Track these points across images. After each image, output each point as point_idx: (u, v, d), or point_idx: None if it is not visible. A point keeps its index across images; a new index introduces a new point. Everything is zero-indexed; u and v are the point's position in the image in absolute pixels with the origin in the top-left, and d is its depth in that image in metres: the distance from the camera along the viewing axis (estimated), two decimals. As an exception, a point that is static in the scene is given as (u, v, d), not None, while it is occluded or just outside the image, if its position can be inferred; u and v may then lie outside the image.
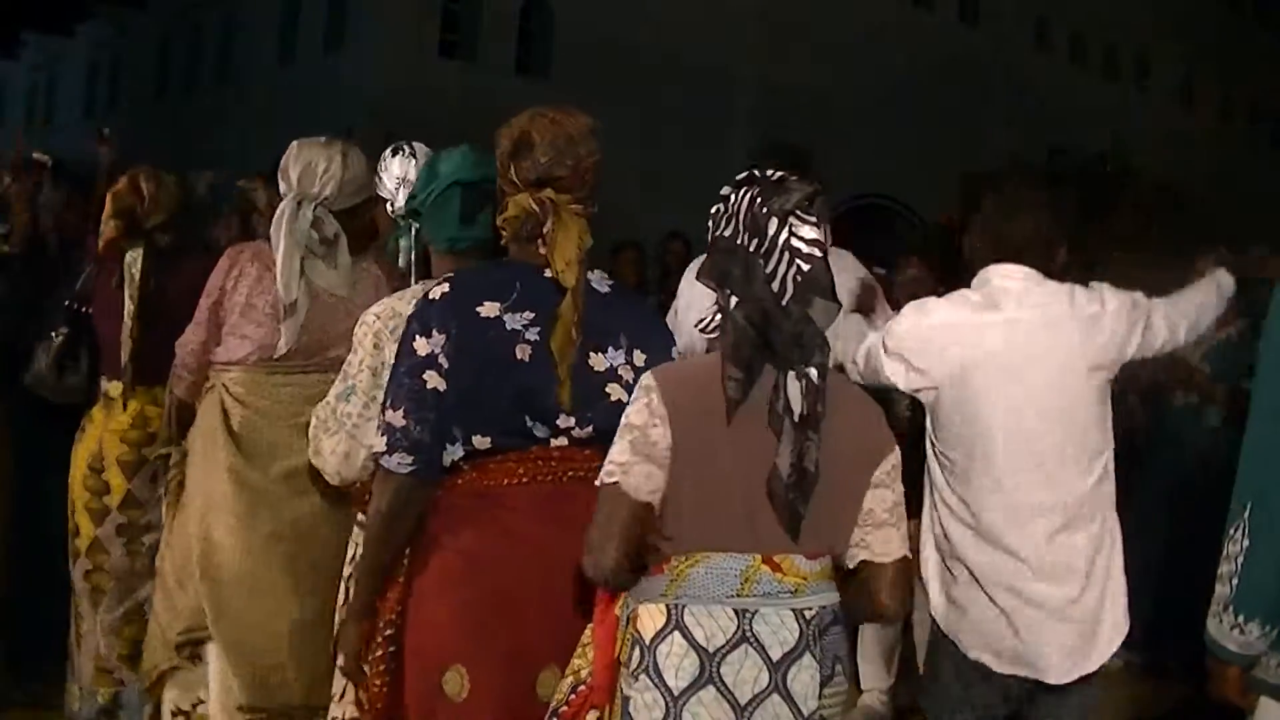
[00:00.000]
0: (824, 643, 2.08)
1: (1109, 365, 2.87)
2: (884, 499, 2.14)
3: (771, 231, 2.04)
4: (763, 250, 2.04)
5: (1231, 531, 2.01)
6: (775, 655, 2.03)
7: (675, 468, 2.05)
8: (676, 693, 2.02)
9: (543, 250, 2.33)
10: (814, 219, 2.04)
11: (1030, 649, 2.75)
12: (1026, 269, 2.84)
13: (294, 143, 3.22)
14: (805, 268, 2.02)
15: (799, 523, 2.03)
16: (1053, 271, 2.87)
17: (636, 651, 2.06)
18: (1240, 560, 1.99)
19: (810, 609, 2.07)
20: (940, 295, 3.02)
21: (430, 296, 2.34)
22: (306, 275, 3.11)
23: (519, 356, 2.30)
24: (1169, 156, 26.07)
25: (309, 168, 3.14)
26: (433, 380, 2.28)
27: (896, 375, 2.82)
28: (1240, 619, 2.02)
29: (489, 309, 2.30)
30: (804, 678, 2.04)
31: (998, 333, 2.77)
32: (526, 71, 23.27)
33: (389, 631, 2.39)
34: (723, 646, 2.03)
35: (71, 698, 4.04)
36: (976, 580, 2.79)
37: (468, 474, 2.36)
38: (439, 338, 2.28)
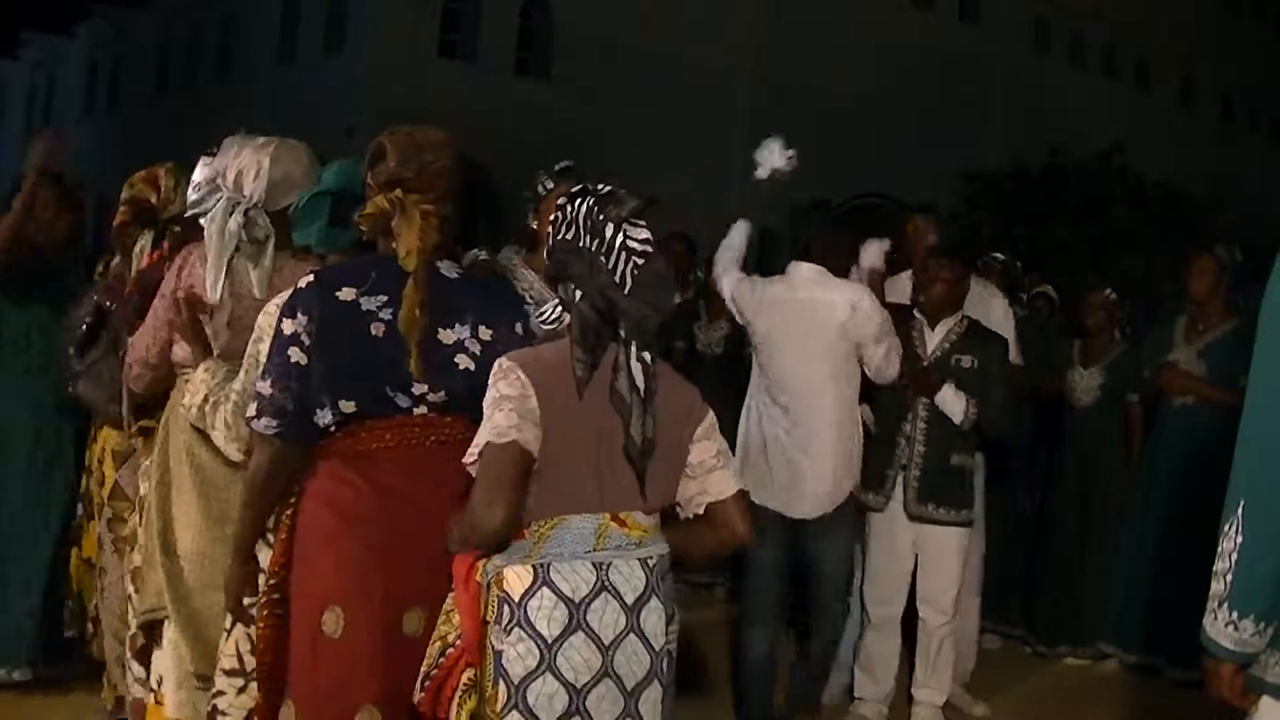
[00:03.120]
0: (664, 587, 2.39)
1: (852, 337, 4.41)
2: (708, 449, 2.46)
3: (609, 234, 2.35)
4: (603, 250, 2.35)
5: (1226, 529, 2.01)
6: (630, 600, 2.33)
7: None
8: (550, 640, 2.28)
9: (395, 244, 2.72)
10: (644, 224, 2.36)
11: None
12: (819, 267, 4.48)
13: (228, 140, 3.31)
14: (640, 263, 2.33)
15: (644, 483, 2.34)
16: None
17: (505, 609, 2.30)
18: (1234, 557, 1.99)
19: (652, 558, 2.38)
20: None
21: (299, 285, 2.72)
22: (232, 276, 3.19)
23: (374, 333, 2.66)
24: (1169, 156, 26.08)
25: (242, 172, 3.23)
26: (295, 355, 2.65)
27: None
28: (1234, 616, 2.01)
29: (347, 293, 2.67)
30: (653, 618, 2.35)
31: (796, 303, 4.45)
32: (526, 71, 23.28)
33: (273, 580, 2.72)
34: (587, 596, 2.31)
35: None
36: (766, 448, 4.54)
37: (342, 440, 2.68)
38: (302, 319, 2.66)
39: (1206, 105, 35.77)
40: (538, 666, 2.26)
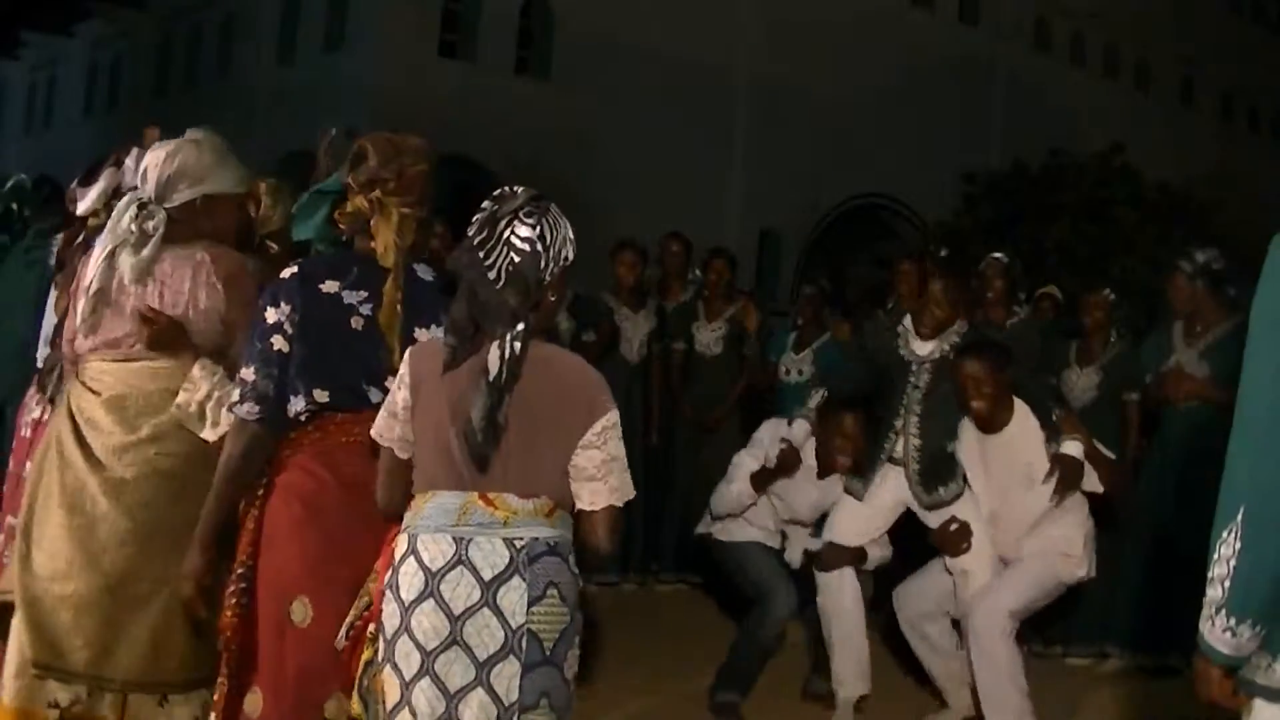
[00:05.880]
0: (534, 568, 2.46)
1: None
2: (593, 458, 2.52)
3: (499, 230, 2.48)
4: (488, 245, 2.48)
5: (1224, 534, 1.99)
6: (487, 576, 2.43)
7: (415, 423, 2.53)
8: (406, 604, 2.45)
9: (373, 243, 2.82)
10: (532, 221, 2.48)
11: None
12: None
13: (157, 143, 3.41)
14: (516, 259, 2.46)
15: (487, 464, 2.45)
16: None
17: (391, 573, 2.51)
18: (1232, 562, 1.97)
19: (521, 539, 2.46)
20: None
21: (282, 275, 2.84)
22: (112, 264, 3.25)
23: (354, 326, 2.79)
24: (1169, 156, 26.05)
25: (147, 167, 3.32)
26: (278, 343, 2.77)
27: None
28: (1232, 621, 1.99)
29: (329, 286, 2.80)
30: (513, 596, 2.43)
31: None
32: (526, 71, 23.23)
33: (240, 570, 2.82)
34: (443, 567, 2.44)
35: None
36: None
37: (311, 434, 2.80)
38: (285, 308, 2.77)
39: (1206, 105, 35.72)
40: (400, 626, 2.45)
